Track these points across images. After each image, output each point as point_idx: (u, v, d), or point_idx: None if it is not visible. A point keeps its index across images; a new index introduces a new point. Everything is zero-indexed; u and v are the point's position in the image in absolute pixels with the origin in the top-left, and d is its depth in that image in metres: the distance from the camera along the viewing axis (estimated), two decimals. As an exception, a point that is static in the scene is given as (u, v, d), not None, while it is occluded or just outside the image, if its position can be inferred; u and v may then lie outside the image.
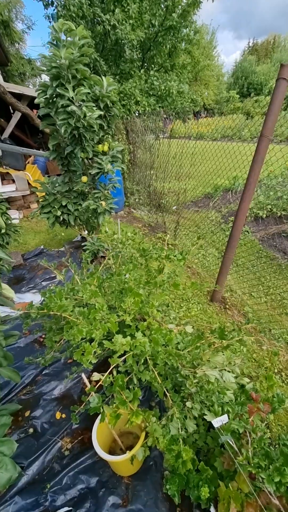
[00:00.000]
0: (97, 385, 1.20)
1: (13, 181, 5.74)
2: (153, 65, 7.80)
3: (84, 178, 2.95)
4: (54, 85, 2.18)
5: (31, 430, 1.81)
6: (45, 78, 2.42)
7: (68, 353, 1.76)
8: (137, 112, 6.33)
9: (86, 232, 3.59)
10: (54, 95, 2.27)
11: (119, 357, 1.24)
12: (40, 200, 3.08)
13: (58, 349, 1.73)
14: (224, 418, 1.23)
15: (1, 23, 13.47)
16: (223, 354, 1.32)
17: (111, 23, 5.65)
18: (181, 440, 1.23)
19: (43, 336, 2.46)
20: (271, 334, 2.62)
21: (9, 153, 5.92)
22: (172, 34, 7.31)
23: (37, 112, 2.70)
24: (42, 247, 4.42)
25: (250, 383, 1.49)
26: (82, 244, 3.33)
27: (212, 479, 1.28)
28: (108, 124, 2.72)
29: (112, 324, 1.29)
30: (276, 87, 2.02)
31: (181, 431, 1.25)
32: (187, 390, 1.36)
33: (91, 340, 1.30)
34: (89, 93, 2.34)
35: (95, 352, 1.25)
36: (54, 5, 6.03)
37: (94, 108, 2.36)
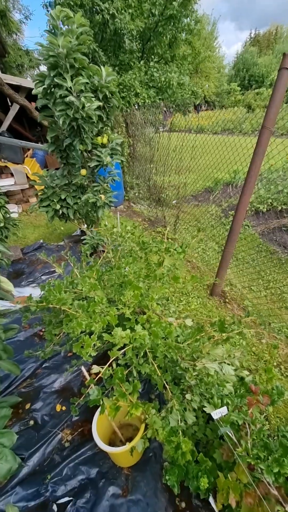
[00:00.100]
0: (97, 378, 1.20)
1: (12, 174, 5.69)
2: (153, 56, 7.67)
3: (83, 171, 2.91)
4: (51, 75, 2.13)
5: (31, 422, 1.83)
6: (44, 69, 2.37)
7: (68, 347, 1.77)
8: (137, 104, 6.24)
9: (86, 226, 3.57)
10: (52, 86, 2.23)
11: (119, 350, 1.24)
12: (39, 193, 3.05)
13: (57, 342, 1.73)
14: (223, 410, 1.23)
15: (-2, 13, 13.17)
16: (223, 347, 1.32)
17: (110, 12, 5.53)
18: (180, 431, 1.24)
19: (43, 329, 2.46)
20: (271, 328, 2.63)
21: (7, 146, 5.85)
22: (172, 23, 7.17)
23: (35, 104, 2.65)
24: (41, 241, 4.41)
25: (250, 376, 1.49)
26: (82, 238, 3.30)
27: (211, 470, 1.29)
28: (107, 115, 2.68)
29: (112, 317, 1.28)
30: (278, 77, 1.98)
31: (181, 423, 1.26)
32: (187, 383, 1.36)
33: (91, 333, 1.30)
34: (87, 83, 2.29)
35: (94, 345, 1.25)
36: (52, -7, 5.91)
37: (93, 99, 2.31)
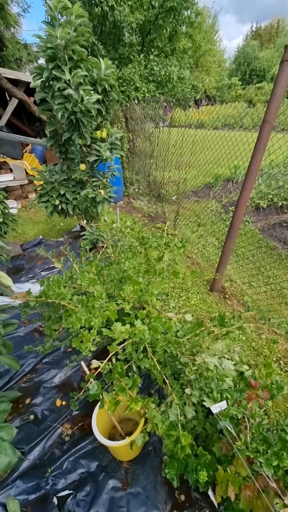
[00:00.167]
0: (96, 373, 1.20)
1: (11, 170, 5.65)
2: (153, 50, 7.56)
3: (83, 166, 2.89)
4: (50, 67, 2.10)
5: (31, 416, 1.83)
6: (42, 62, 2.33)
7: (68, 342, 1.77)
8: (137, 99, 6.17)
9: (85, 221, 3.55)
10: (50, 78, 2.20)
11: (118, 344, 1.23)
12: (38, 189, 3.03)
13: (57, 338, 1.73)
14: (223, 404, 1.23)
15: (-5, 5, 12.95)
16: (223, 342, 1.32)
17: (109, 4, 5.44)
18: (180, 426, 1.24)
19: (43, 325, 2.47)
20: (270, 323, 2.63)
21: (6, 142, 5.79)
22: (172, 16, 7.06)
23: (34, 100, 2.61)
24: (41, 237, 4.39)
25: (249, 371, 1.49)
26: (81, 233, 3.29)
27: (211, 464, 1.30)
28: (106, 109, 2.64)
29: (111, 312, 1.28)
30: (280, 70, 1.96)
31: (180, 417, 1.26)
32: (186, 377, 1.36)
33: (90, 328, 1.30)
34: (86, 76, 2.25)
35: (94, 340, 1.24)
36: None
37: (92, 92, 2.28)
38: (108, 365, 1.22)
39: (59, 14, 2.12)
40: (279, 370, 2.19)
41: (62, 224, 4.96)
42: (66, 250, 1.84)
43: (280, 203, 4.75)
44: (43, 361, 2.24)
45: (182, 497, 1.45)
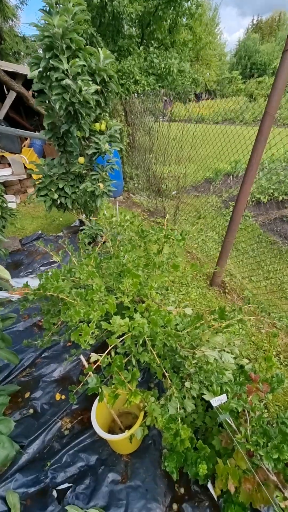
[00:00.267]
0: (95, 366, 1.18)
1: (9, 165, 5.59)
2: (152, 42, 7.46)
3: (81, 159, 2.85)
4: (47, 57, 2.05)
5: (31, 410, 1.83)
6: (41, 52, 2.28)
7: (67, 336, 1.75)
8: (136, 92, 6.09)
9: (84, 216, 3.52)
10: (47, 68, 2.15)
11: (118, 338, 1.22)
12: (37, 182, 3.00)
13: (56, 332, 1.71)
14: (223, 398, 1.22)
15: (-8, -3, 12.71)
16: (223, 335, 1.31)
17: (108, -6, 5.33)
18: (179, 419, 1.23)
19: (42, 320, 2.46)
20: (271, 317, 2.62)
21: (4, 136, 5.72)
22: (172, 7, 6.94)
23: (32, 92, 2.57)
24: (40, 232, 4.36)
25: (249, 364, 1.48)
26: (80, 228, 3.27)
27: (210, 457, 1.30)
28: (105, 100, 2.59)
29: (110, 305, 1.26)
30: (282, 61, 1.92)
31: (180, 410, 1.25)
32: (186, 371, 1.35)
33: (89, 322, 1.28)
34: (84, 65, 2.20)
35: (93, 333, 1.23)
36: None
37: (90, 83, 2.24)
38: (107, 358, 1.21)
39: (56, 3, 2.07)
40: (279, 364, 2.18)
41: (61, 219, 4.93)
42: (65, 244, 1.82)
43: (280, 198, 4.72)
44: (43, 355, 2.23)
45: (182, 490, 1.45)
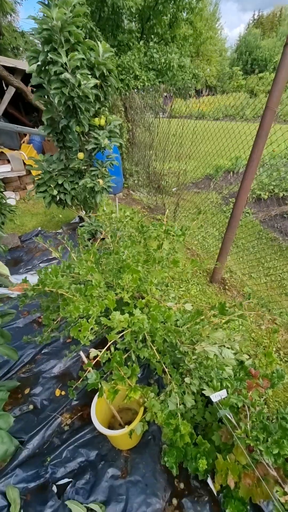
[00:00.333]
0: (95, 361, 1.18)
1: (8, 161, 5.55)
2: (152, 36, 7.37)
3: (81, 155, 2.83)
4: (45, 50, 2.03)
5: (31, 406, 1.83)
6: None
7: (66, 332, 1.75)
8: (136, 88, 6.03)
9: (84, 212, 3.50)
10: (46, 62, 2.12)
11: (117, 333, 1.21)
12: (36, 178, 2.97)
13: (55, 328, 1.71)
14: (223, 393, 1.22)
15: (-10, -8, 12.57)
16: (223, 331, 1.30)
17: (108, -12, 5.26)
18: (179, 414, 1.23)
19: (42, 316, 2.45)
20: (271, 313, 2.61)
21: (3, 132, 5.68)
22: (173, 1, 6.86)
23: (32, 89, 2.53)
24: (39, 228, 4.35)
25: (249, 360, 1.48)
26: (80, 225, 3.25)
27: (210, 452, 1.29)
28: (104, 95, 2.56)
29: (110, 301, 1.25)
30: (283, 55, 1.89)
31: (179, 406, 1.25)
32: (186, 366, 1.34)
33: (88, 318, 1.27)
34: (83, 59, 2.17)
35: (92, 329, 1.22)
36: None
37: (90, 77, 2.21)
38: (107, 354, 1.20)
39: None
40: (279, 360, 2.18)
41: (61, 215, 4.91)
42: (64, 239, 1.81)
43: (281, 194, 4.70)
44: (42, 351, 2.23)
45: (182, 485, 1.45)
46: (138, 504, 1.35)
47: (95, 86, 2.41)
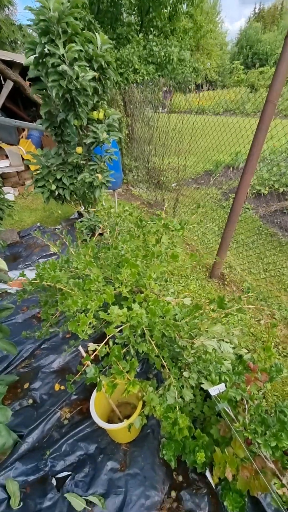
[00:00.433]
0: (93, 355, 1.17)
1: (6, 156, 5.51)
2: (152, 29, 7.26)
3: (79, 149, 2.80)
4: (43, 42, 1.99)
5: (30, 401, 1.84)
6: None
7: (65, 327, 1.75)
8: (136, 82, 5.96)
9: (83, 208, 3.48)
10: (43, 54, 2.08)
11: (116, 328, 1.21)
12: (34, 173, 2.95)
13: (54, 322, 1.71)
14: (221, 387, 1.22)
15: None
16: (222, 325, 1.30)
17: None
18: (177, 408, 1.23)
19: (40, 311, 2.45)
20: (271, 307, 2.61)
21: (1, 127, 5.63)
22: (173, -7, 6.75)
23: (30, 83, 2.49)
24: (38, 224, 4.33)
25: (248, 354, 1.48)
26: (79, 220, 3.23)
27: (208, 445, 1.30)
28: (103, 88, 2.53)
29: (108, 295, 1.24)
30: (284, 47, 1.87)
31: (178, 399, 1.25)
32: (184, 360, 1.34)
33: (87, 312, 1.27)
34: (81, 51, 2.14)
35: (90, 323, 1.22)
36: None
37: (88, 69, 2.18)
38: (105, 348, 1.20)
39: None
40: (278, 354, 2.19)
41: (60, 211, 4.89)
42: (62, 234, 1.80)
43: (281, 190, 4.67)
44: (42, 346, 2.23)
45: (180, 478, 1.46)
46: (137, 497, 1.36)
47: (94, 79, 2.37)
